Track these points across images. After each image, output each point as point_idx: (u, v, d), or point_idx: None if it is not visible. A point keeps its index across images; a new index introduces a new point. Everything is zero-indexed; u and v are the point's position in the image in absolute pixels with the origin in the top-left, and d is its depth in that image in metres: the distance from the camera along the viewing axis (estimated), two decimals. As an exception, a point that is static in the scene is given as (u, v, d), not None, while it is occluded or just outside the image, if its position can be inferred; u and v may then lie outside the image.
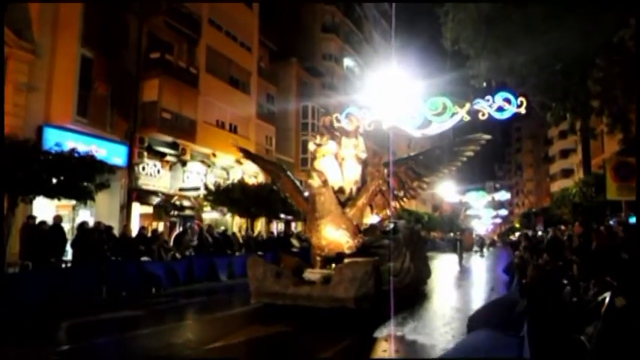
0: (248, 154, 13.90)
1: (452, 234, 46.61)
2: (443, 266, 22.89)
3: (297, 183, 12.00)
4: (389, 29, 51.16)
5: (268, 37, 30.15)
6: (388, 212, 11.27)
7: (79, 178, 11.39)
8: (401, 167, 11.00)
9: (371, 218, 11.52)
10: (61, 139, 13.35)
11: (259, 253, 16.42)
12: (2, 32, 10.84)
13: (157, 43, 20.95)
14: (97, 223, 13.23)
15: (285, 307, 9.32)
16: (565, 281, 5.89)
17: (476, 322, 4.26)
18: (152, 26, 20.76)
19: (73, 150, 11.56)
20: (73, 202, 13.84)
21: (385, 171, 10.78)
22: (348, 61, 41.44)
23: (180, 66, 21.68)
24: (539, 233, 27.44)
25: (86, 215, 16.48)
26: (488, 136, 10.22)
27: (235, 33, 26.33)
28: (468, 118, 11.49)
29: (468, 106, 11.47)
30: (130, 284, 11.97)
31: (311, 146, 12.01)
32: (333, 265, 10.07)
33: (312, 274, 10.17)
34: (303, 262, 11.11)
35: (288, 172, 12.26)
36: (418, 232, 15.74)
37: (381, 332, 7.57)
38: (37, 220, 11.48)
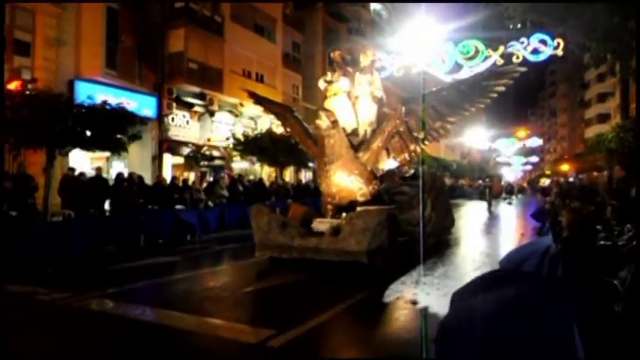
0: (255, 97, 12.89)
1: (480, 181, 46.20)
2: (471, 213, 22.89)
3: (306, 125, 10.79)
4: (417, -31, 48.82)
5: (292, -19, 29.31)
6: (407, 156, 10.18)
7: (111, 130, 11.65)
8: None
9: (388, 163, 10.36)
10: (92, 92, 13.59)
11: (289, 201, 16.69)
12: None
13: (181, -9, 20.64)
14: (131, 174, 13.63)
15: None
16: (599, 227, 5.85)
17: (508, 264, 4.33)
18: (175, -26, 20.41)
19: (104, 102, 11.77)
20: (107, 153, 14.25)
21: (403, 110, 9.59)
22: (374, 5, 40.03)
23: (205, 15, 21.41)
24: (571, 179, 26.97)
25: (120, 166, 16.96)
26: (522, 68, 9.26)
27: (259, -22, 25.66)
28: (501, 61, 11.12)
29: (501, 49, 11.08)
30: (166, 232, 12.46)
31: (321, 84, 10.70)
32: (344, 215, 9.16)
33: (321, 224, 9.25)
34: (312, 211, 10.24)
35: (296, 114, 11.17)
36: (441, 178, 14.52)
37: (409, 278, 7.71)
38: (76, 172, 11.94)
